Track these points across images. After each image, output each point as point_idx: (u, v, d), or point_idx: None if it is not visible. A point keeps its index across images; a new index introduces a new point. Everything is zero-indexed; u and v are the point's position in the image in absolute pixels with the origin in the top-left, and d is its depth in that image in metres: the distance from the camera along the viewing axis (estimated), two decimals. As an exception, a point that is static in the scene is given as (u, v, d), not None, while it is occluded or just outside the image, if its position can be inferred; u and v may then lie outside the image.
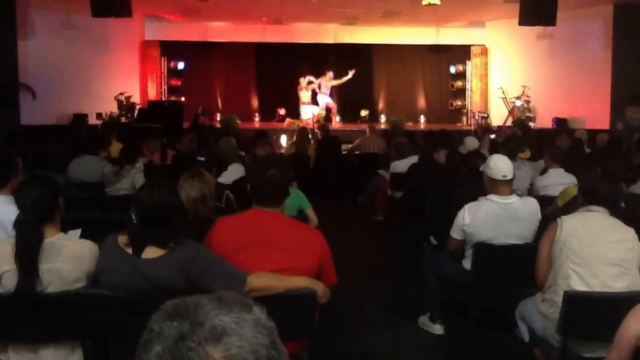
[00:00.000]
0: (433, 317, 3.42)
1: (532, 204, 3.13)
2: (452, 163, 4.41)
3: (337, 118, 12.58)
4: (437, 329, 3.40)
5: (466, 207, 3.07)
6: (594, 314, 2.30)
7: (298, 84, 12.30)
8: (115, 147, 6.27)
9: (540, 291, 2.55)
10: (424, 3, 9.36)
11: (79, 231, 2.30)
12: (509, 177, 3.04)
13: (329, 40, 13.02)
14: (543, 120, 11.21)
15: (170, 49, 12.73)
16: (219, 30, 12.73)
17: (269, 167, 2.16)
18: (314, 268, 2.12)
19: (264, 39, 12.74)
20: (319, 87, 12.36)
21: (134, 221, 2.11)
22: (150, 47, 12.59)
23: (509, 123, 11.16)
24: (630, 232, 2.41)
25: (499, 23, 12.06)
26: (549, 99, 11.14)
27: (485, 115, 11.97)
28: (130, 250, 2.07)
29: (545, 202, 3.61)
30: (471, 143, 5.91)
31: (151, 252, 2.06)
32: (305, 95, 12.20)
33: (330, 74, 12.40)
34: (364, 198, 7.08)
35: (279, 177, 2.16)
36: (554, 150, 4.42)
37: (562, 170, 4.24)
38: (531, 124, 11.00)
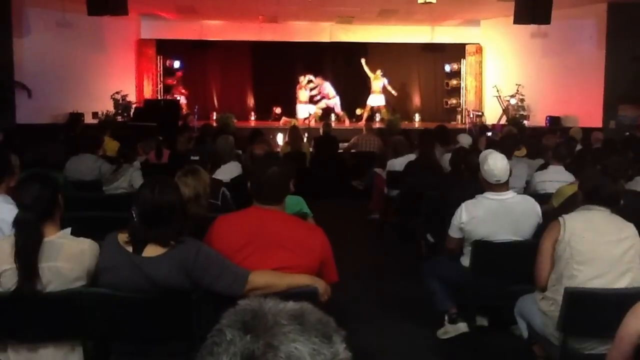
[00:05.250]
0: (451, 317, 3.24)
1: (530, 201, 3.14)
2: (456, 160, 4.38)
3: (332, 117, 12.56)
4: (462, 327, 3.19)
5: (463, 205, 3.07)
6: (595, 310, 2.30)
7: (297, 82, 12.19)
8: (110, 145, 6.26)
9: (541, 291, 2.53)
10: (419, 1, 9.33)
11: (68, 230, 2.27)
12: (503, 181, 3.04)
13: (325, 39, 12.99)
14: (536, 119, 11.23)
15: (166, 48, 12.67)
16: (215, 29, 12.68)
17: (270, 165, 2.16)
18: (315, 265, 2.13)
19: (259, 38, 12.69)
20: (320, 92, 12.33)
21: (135, 219, 2.11)
22: (146, 45, 12.52)
23: (503, 121, 11.19)
24: (631, 228, 2.41)
25: (494, 22, 12.08)
26: (542, 97, 11.15)
27: (480, 113, 12.00)
28: (130, 249, 2.07)
29: (542, 199, 3.63)
30: (465, 140, 5.93)
31: (152, 251, 2.06)
32: (303, 94, 12.13)
33: (328, 85, 12.42)
34: (364, 182, 7.11)
35: (281, 175, 2.16)
36: (558, 148, 4.44)
37: (562, 167, 4.27)
38: (525, 122, 11.02)
